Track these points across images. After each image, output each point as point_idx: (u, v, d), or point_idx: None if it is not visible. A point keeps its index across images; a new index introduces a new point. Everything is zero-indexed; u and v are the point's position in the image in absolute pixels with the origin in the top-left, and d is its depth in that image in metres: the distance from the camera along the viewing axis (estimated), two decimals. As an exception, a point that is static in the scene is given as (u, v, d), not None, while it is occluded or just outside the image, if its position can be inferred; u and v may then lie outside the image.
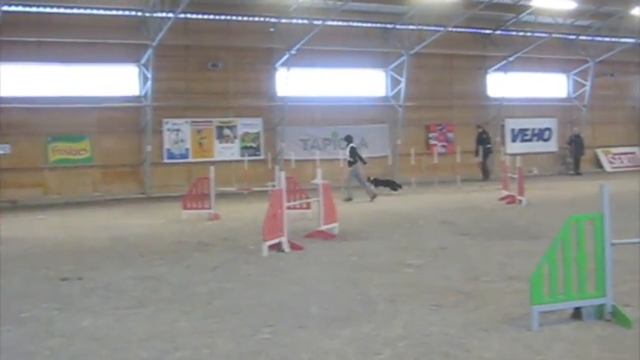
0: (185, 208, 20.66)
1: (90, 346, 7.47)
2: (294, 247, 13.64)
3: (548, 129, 38.93)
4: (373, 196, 24.46)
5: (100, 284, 10.80)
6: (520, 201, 21.32)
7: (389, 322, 8.07)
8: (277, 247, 13.43)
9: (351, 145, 25.36)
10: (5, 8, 25.28)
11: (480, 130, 34.21)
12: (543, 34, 35.69)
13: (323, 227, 15.41)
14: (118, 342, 7.57)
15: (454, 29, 33.36)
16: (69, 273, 11.85)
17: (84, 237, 16.93)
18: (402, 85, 33.86)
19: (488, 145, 33.66)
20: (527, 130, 38.38)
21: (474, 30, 35.68)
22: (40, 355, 7.21)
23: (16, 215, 22.66)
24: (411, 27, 32.98)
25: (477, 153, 33.26)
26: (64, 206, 25.86)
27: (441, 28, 32.40)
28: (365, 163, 25.60)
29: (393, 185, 27.38)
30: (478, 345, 7.13)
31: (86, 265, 12.67)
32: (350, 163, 25.14)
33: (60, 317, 8.83)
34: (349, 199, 24.21)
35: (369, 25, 33.63)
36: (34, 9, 27.42)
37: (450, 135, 35.70)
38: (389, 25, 33.75)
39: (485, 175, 33.23)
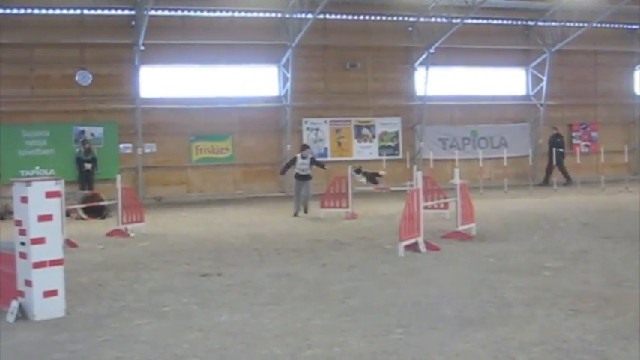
0: (323, 206, 20.91)
1: (226, 340, 7.65)
2: (430, 247, 13.55)
3: (701, 128, 37.09)
4: (296, 213, 21.46)
5: (238, 280, 11.04)
6: (669, 203, 20.46)
7: (524, 326, 7.90)
8: (414, 247, 13.38)
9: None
10: (152, 13, 26.20)
11: (555, 132, 32.15)
12: (695, 28, 34.11)
13: (460, 228, 15.24)
14: (252, 337, 7.71)
15: (599, 25, 32.21)
16: (209, 269, 12.17)
17: (224, 234, 17.35)
18: (544, 84, 33.05)
19: (561, 150, 31.28)
20: (677, 129, 36.64)
21: (620, 25, 34.37)
22: (179, 348, 7.43)
23: (161, 212, 23.44)
24: (553, 23, 32.08)
25: (549, 158, 31.00)
26: (206, 204, 26.55)
27: (585, 24, 31.35)
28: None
29: (373, 178, 23.43)
30: (617, 353, 6.88)
31: (225, 262, 12.98)
32: (308, 177, 21.98)
33: (199, 312, 9.07)
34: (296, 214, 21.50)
35: (509, 22, 32.96)
36: (178, 13, 28.29)
37: (593, 134, 34.58)
38: (530, 22, 32.97)
39: (567, 179, 30.75)
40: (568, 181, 30.59)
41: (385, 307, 8.98)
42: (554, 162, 30.51)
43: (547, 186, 29.80)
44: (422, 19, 30.78)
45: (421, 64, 31.42)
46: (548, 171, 31.22)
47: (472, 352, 7.02)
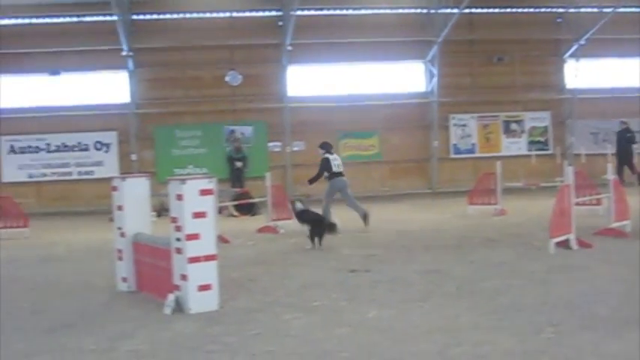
0: (471, 203, 20.67)
1: (374, 336, 7.69)
2: (582, 244, 13.18)
3: None
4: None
5: (386, 277, 11.08)
6: None
7: (683, 326, 7.59)
8: (564, 244, 13.04)
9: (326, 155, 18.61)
10: (299, 13, 26.63)
11: (624, 126, 28.64)
12: None
13: (614, 224, 14.74)
14: (400, 334, 7.73)
15: None
16: (357, 265, 12.25)
17: (371, 231, 17.41)
18: (703, 73, 31.57)
19: (635, 144, 28.02)
20: None
21: None
22: (328, 343, 7.53)
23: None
24: None
25: (619, 155, 27.48)
26: (354, 201, 26.68)
27: None
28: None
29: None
30: None
31: (373, 258, 13.04)
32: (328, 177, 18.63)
33: (347, 307, 9.16)
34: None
35: (666, 10, 31.68)
36: (324, 12, 28.69)
37: None
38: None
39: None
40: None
41: (535, 305, 8.82)
42: (632, 158, 27.78)
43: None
44: (571, 10, 29.96)
45: (571, 56, 30.64)
46: (620, 169, 27.57)
47: (628, 352, 6.80)
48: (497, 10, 30.14)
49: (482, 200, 20.68)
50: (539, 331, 7.61)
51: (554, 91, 31.17)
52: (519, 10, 30.32)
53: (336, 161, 18.62)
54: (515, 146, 30.69)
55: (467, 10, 27.91)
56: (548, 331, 7.62)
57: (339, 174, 18.49)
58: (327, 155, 18.65)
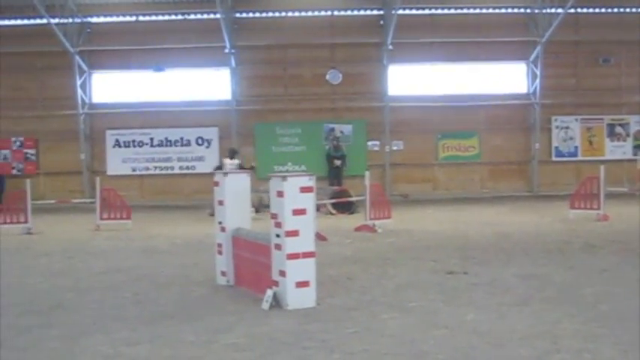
0: (572, 207, 20.22)
1: (471, 339, 7.61)
2: (689, 253, 12.79)
3: None
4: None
5: (485, 280, 10.95)
6: None
7: None
8: (671, 252, 12.68)
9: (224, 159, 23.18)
10: (400, 12, 26.57)
11: None
12: None
13: None
14: (498, 338, 7.62)
15: None
16: (455, 267, 12.15)
17: (470, 232, 17.24)
18: None
19: None
20: None
21: None
22: (425, 344, 7.48)
23: (407, 209, 23.68)
24: None
25: None
26: (452, 202, 26.53)
27: None
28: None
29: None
30: None
31: (471, 260, 12.91)
32: None
33: (444, 309, 9.09)
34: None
35: None
36: (426, 11, 28.56)
37: None
38: None
39: None
40: None
41: (639, 314, 8.58)
42: None
43: None
44: (682, 10, 29.03)
45: (681, 57, 29.64)
46: None
47: None
48: (603, 10, 29.41)
49: (584, 205, 20.19)
50: (644, 342, 7.40)
51: (662, 93, 30.23)
52: (627, 10, 29.47)
53: (231, 166, 21.83)
54: (619, 150, 29.90)
55: (572, 10, 27.29)
56: (653, 341, 7.41)
57: None
58: (225, 160, 22.78)
